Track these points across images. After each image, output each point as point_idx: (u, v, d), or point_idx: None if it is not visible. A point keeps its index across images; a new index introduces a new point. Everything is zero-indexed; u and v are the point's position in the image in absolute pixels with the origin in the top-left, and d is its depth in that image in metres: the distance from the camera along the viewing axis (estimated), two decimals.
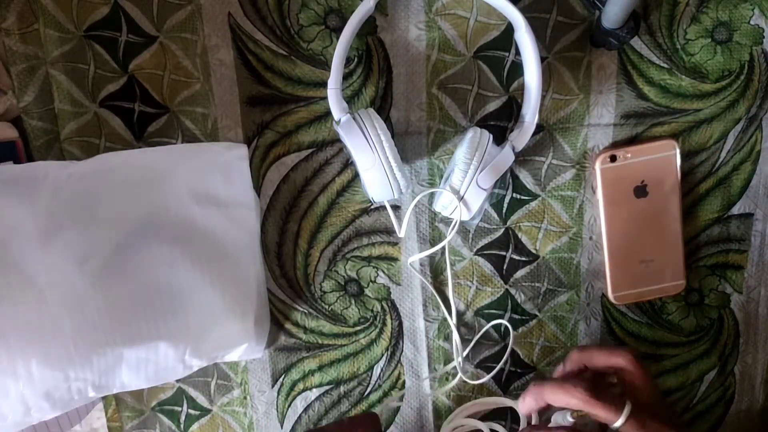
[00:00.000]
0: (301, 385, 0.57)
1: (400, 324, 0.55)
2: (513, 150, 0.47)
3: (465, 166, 0.46)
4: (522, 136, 0.47)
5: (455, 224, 0.48)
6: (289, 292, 0.54)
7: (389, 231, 0.53)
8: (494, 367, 0.56)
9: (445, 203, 0.48)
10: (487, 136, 0.47)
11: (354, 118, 0.46)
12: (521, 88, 0.50)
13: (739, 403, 0.58)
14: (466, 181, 0.46)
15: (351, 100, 0.51)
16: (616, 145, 0.52)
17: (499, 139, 0.51)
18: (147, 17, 0.49)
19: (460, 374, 0.55)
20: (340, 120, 0.47)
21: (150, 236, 0.47)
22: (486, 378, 0.55)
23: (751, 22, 0.49)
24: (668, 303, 0.55)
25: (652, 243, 0.52)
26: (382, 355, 0.56)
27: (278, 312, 0.55)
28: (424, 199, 0.53)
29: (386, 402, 0.56)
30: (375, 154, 0.45)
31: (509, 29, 0.49)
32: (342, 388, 0.57)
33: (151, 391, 0.57)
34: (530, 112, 0.47)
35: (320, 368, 0.56)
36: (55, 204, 0.46)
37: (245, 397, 0.57)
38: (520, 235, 0.53)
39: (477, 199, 0.47)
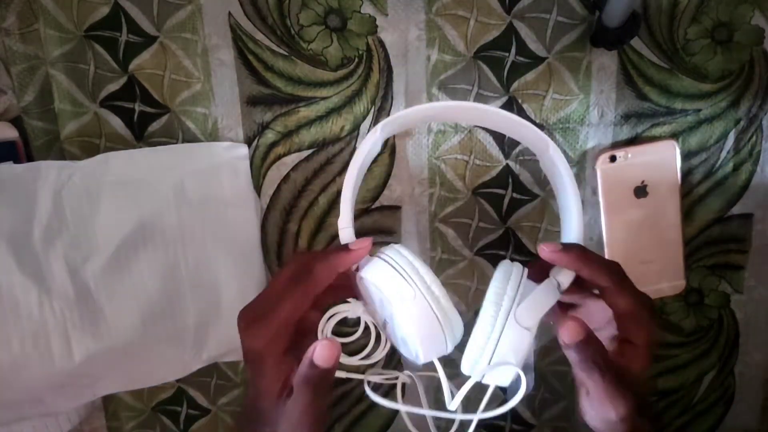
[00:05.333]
0: None
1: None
2: (559, 287, 0.38)
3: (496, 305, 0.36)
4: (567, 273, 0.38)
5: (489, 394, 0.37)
6: None
7: (390, 231, 0.53)
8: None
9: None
10: (520, 271, 0.38)
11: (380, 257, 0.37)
12: (521, 88, 0.50)
13: (739, 403, 0.58)
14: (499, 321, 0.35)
15: (351, 99, 0.51)
16: (616, 145, 0.52)
17: (500, 137, 0.51)
18: (147, 17, 0.49)
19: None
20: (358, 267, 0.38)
21: (150, 236, 0.47)
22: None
23: (752, 22, 0.49)
24: (668, 303, 0.55)
25: (652, 243, 0.52)
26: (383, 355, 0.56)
27: None
28: (423, 198, 0.53)
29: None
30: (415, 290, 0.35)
31: (509, 29, 0.49)
32: (340, 390, 0.57)
33: (151, 391, 0.57)
34: (574, 240, 0.41)
35: None
36: (55, 204, 0.46)
37: (245, 398, 0.57)
38: (520, 235, 0.53)
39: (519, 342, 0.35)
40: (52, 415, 0.51)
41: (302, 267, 0.37)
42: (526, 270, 0.38)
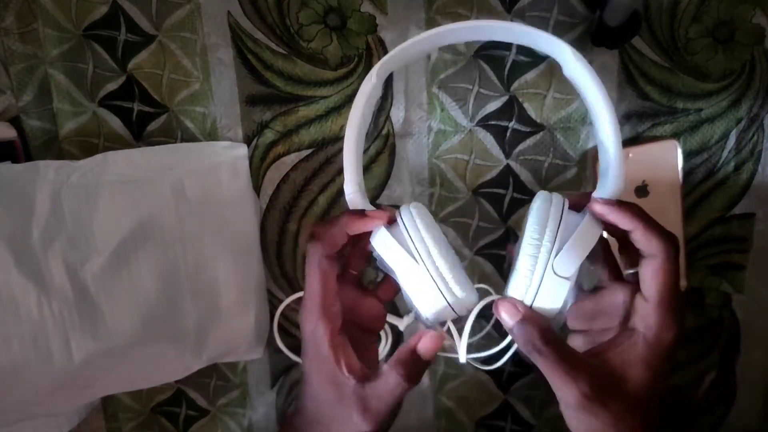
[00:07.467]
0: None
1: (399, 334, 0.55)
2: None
3: (534, 249, 0.35)
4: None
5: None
6: (289, 292, 0.54)
7: None
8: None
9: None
10: (561, 202, 0.36)
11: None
12: (522, 87, 0.50)
13: (740, 403, 0.57)
14: (537, 272, 0.34)
15: (351, 99, 0.50)
16: None
17: (500, 137, 0.51)
18: (146, 16, 0.49)
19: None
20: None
21: (149, 236, 0.47)
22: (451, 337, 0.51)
23: (753, 21, 0.49)
24: None
25: None
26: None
27: None
28: (423, 198, 0.52)
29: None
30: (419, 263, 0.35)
31: None
32: None
33: (150, 392, 0.56)
34: (613, 167, 0.36)
35: None
36: (54, 204, 0.45)
37: (245, 398, 0.57)
38: (520, 235, 0.53)
39: (557, 293, 0.34)
40: (52, 415, 0.51)
41: (314, 235, 0.38)
42: (566, 202, 0.36)
